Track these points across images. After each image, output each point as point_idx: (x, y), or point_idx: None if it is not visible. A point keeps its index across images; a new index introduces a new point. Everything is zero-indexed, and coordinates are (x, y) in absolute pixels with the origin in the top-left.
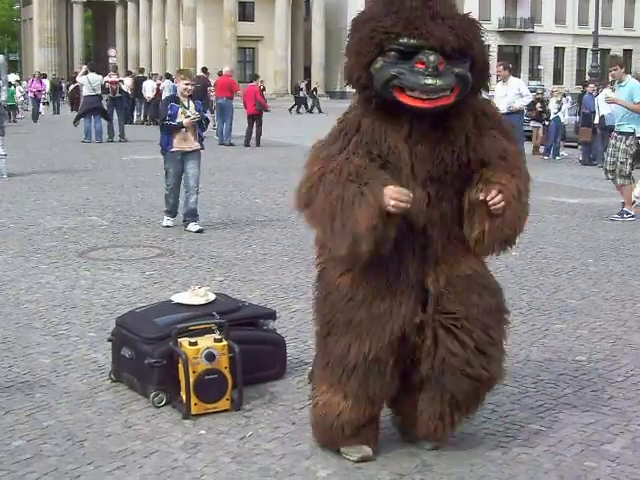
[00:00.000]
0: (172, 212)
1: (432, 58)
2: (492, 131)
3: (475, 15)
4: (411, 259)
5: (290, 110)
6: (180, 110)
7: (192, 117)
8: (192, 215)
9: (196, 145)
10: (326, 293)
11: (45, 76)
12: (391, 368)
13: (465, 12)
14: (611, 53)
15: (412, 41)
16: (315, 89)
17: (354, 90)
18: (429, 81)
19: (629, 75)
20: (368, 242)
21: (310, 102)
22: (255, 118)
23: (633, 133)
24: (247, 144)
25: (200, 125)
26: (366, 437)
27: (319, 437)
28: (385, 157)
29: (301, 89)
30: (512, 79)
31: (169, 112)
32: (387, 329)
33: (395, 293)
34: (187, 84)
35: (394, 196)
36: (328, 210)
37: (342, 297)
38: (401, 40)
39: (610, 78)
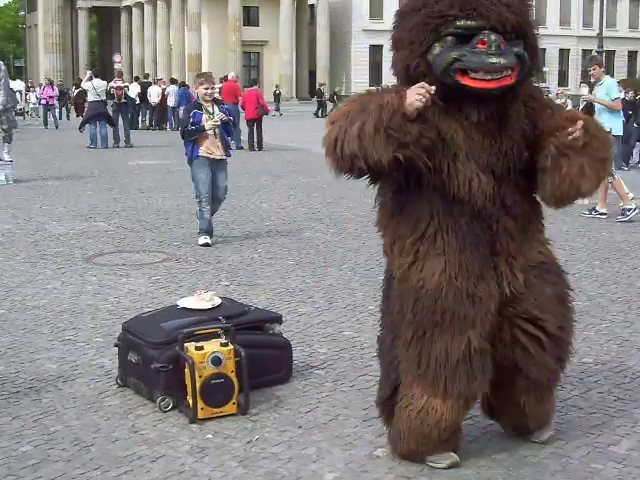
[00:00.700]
0: (209, 230)
1: (493, 37)
2: (546, 110)
3: None
4: (484, 246)
5: (316, 114)
6: (205, 116)
7: (215, 119)
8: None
9: (223, 154)
10: (409, 296)
11: (52, 82)
12: (488, 359)
13: None
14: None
15: (471, 22)
16: (335, 93)
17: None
18: (493, 60)
19: (607, 75)
20: (385, 132)
21: (330, 107)
22: (255, 122)
23: (610, 131)
24: (252, 148)
25: (227, 129)
26: (455, 442)
27: (409, 448)
28: (439, 141)
29: (323, 93)
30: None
31: (191, 119)
32: (479, 318)
33: (478, 281)
34: (206, 88)
35: (414, 90)
36: (354, 114)
37: (430, 296)
38: (459, 22)
39: (591, 79)
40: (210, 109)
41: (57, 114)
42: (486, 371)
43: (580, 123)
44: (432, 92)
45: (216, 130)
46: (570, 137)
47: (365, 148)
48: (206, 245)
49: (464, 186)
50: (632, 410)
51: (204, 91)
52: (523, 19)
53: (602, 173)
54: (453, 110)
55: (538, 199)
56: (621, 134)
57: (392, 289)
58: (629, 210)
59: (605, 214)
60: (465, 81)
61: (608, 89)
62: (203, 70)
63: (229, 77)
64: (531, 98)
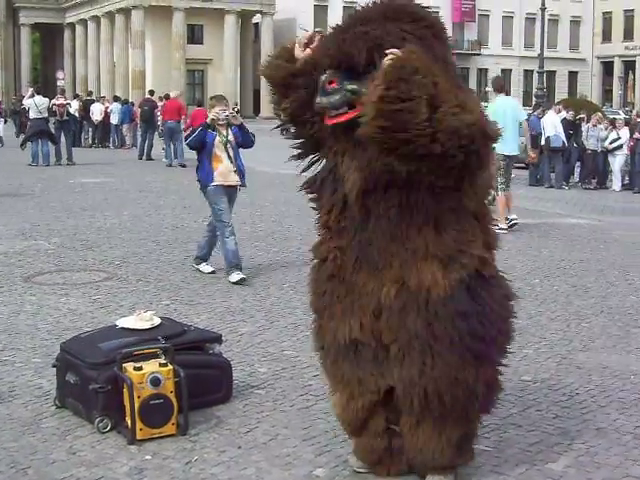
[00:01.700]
0: (239, 264)
1: (323, 77)
2: None
3: None
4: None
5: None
6: (218, 138)
7: (216, 111)
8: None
9: (237, 180)
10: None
11: None
12: (374, 352)
13: None
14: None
15: (324, 61)
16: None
17: None
18: (317, 100)
19: (501, 94)
20: None
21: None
22: None
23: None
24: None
25: (245, 137)
26: (365, 444)
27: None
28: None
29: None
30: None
31: (200, 139)
32: (360, 309)
33: (360, 271)
34: (220, 110)
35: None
36: None
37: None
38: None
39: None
40: (224, 132)
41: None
42: (369, 362)
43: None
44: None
45: (231, 153)
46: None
47: None
48: (242, 281)
49: (346, 180)
50: (570, 428)
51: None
52: (364, 55)
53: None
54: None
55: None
56: (515, 153)
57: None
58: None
59: (505, 229)
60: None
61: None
62: (147, 88)
63: (172, 95)
64: None
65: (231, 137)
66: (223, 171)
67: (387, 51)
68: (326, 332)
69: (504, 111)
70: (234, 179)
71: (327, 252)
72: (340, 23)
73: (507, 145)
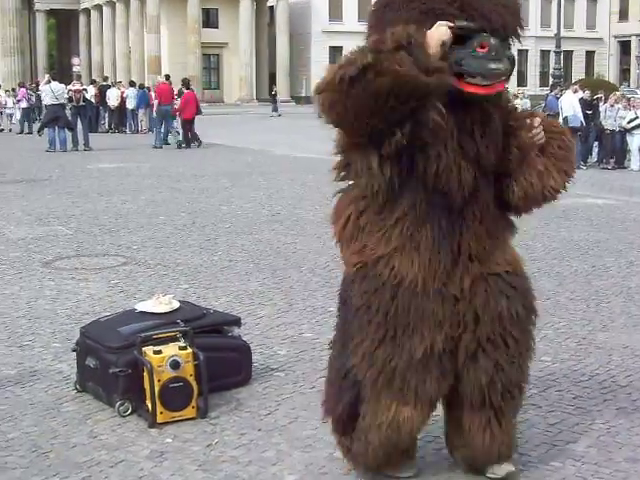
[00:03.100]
0: None
1: (493, 41)
2: (510, 111)
3: None
4: (453, 244)
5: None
6: None
7: None
8: None
9: None
10: (383, 293)
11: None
12: (448, 359)
13: None
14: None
15: (471, 24)
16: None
17: None
18: (493, 65)
19: None
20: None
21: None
22: (191, 122)
23: None
24: (189, 145)
25: None
26: (413, 451)
27: (377, 461)
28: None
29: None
30: None
31: None
32: (447, 318)
33: (447, 280)
34: None
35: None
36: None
37: (406, 293)
38: (458, 23)
39: None
40: None
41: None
42: (447, 371)
43: (538, 120)
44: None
45: None
46: (530, 135)
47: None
48: None
49: (445, 176)
50: (590, 408)
51: None
52: (519, 22)
53: (568, 171)
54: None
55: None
56: None
57: (352, 288)
58: None
59: None
60: (460, 85)
61: None
62: (163, 73)
63: (163, 80)
64: (509, 106)
65: None
66: None
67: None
68: (399, 347)
69: None
70: None
71: (403, 270)
72: None
73: None
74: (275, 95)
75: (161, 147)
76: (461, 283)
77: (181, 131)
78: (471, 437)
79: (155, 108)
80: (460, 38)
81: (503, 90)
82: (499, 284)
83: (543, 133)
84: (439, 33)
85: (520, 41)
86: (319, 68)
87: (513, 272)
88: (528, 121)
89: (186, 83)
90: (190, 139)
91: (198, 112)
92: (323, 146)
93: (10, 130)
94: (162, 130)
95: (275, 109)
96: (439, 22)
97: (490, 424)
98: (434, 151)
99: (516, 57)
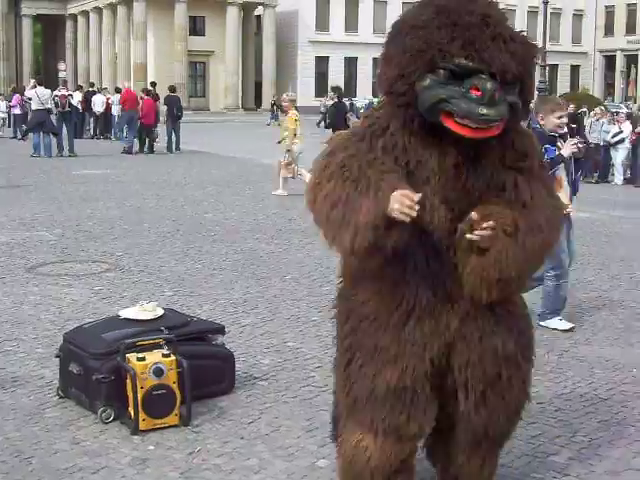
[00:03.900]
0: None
1: (489, 86)
2: (511, 171)
3: None
4: (436, 283)
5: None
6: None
7: (572, 143)
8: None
9: (572, 207)
10: (347, 316)
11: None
12: (425, 398)
13: (521, 31)
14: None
15: (471, 64)
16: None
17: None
18: (484, 111)
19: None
20: (366, 237)
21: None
22: (151, 127)
23: None
24: (142, 150)
25: (579, 165)
26: None
27: None
28: (412, 168)
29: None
30: None
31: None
32: (418, 354)
33: (425, 315)
34: (560, 117)
35: (399, 199)
36: (335, 196)
37: (366, 318)
38: (457, 60)
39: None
40: (559, 144)
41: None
42: (420, 408)
43: (490, 224)
44: (416, 203)
45: (571, 171)
46: (470, 235)
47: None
48: (572, 330)
49: (428, 214)
50: (572, 420)
51: (558, 121)
52: (525, 68)
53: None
54: (430, 139)
55: None
56: None
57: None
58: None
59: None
60: (448, 124)
61: None
62: (149, 80)
63: (126, 85)
64: (512, 148)
65: (570, 143)
66: (563, 197)
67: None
68: (379, 375)
69: None
70: (571, 207)
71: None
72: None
73: None
74: (274, 104)
75: (130, 152)
76: (448, 321)
77: (166, 137)
78: (460, 469)
79: (119, 113)
80: (458, 75)
81: (495, 135)
82: (491, 323)
83: (485, 232)
84: (395, 213)
85: (528, 91)
86: (305, 78)
87: (507, 310)
88: (474, 215)
89: (172, 90)
90: (150, 144)
91: (157, 119)
92: (309, 155)
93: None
94: (126, 135)
95: (275, 117)
96: (405, 194)
97: (475, 456)
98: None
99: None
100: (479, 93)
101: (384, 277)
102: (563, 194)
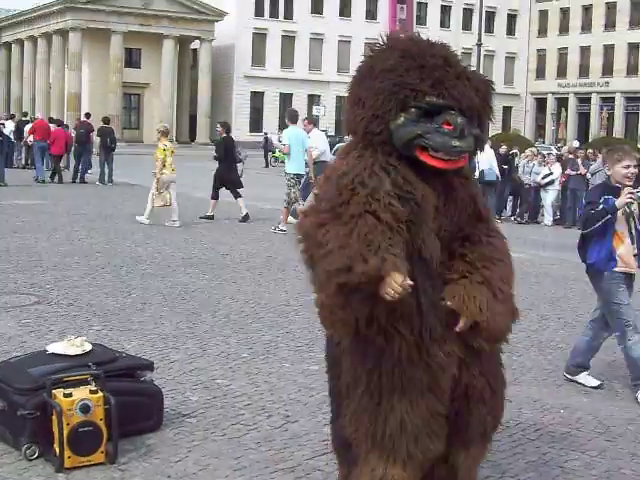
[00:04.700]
0: (586, 365)
1: (459, 120)
2: (468, 199)
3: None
4: (441, 309)
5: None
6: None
7: (628, 194)
8: None
9: (637, 265)
10: (363, 353)
11: None
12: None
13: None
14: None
15: (441, 101)
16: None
17: (354, 139)
18: (456, 143)
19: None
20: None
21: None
22: (60, 157)
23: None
24: (61, 180)
25: None
26: None
27: None
28: (418, 200)
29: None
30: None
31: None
32: (440, 382)
33: (440, 343)
34: (628, 166)
35: (392, 285)
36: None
37: (388, 353)
38: (428, 99)
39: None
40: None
41: None
42: (444, 428)
43: (464, 322)
44: (403, 291)
45: (635, 226)
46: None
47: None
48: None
49: (423, 243)
50: (500, 460)
51: (625, 171)
52: (487, 103)
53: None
54: (413, 169)
55: None
56: (295, 172)
57: (341, 352)
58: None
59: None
60: (423, 157)
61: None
62: (83, 111)
63: (38, 116)
64: (466, 177)
65: (636, 208)
66: (624, 253)
67: None
68: (415, 406)
69: (296, 138)
70: (634, 265)
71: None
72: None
73: (296, 166)
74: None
75: (44, 181)
76: (449, 348)
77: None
78: (459, 470)
79: (31, 143)
80: (429, 112)
81: (464, 165)
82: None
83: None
84: (387, 291)
85: (491, 121)
86: (241, 112)
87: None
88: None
89: (106, 121)
90: (58, 173)
91: (68, 149)
92: (249, 190)
93: None
94: (39, 165)
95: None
96: (399, 281)
97: (469, 456)
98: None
99: (293, 108)
100: (451, 127)
101: (398, 313)
102: (623, 249)
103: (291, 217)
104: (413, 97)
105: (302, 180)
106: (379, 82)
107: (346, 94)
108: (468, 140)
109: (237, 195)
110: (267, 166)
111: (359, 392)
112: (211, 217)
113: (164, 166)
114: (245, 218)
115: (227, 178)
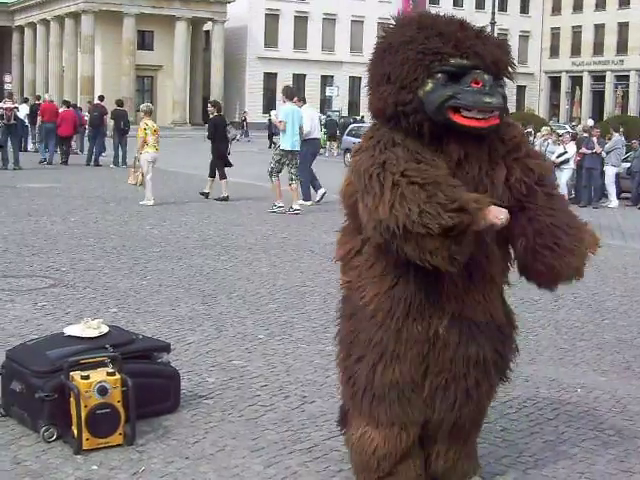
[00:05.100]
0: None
1: (487, 77)
2: (504, 160)
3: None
4: (434, 285)
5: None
6: None
7: None
8: None
9: None
10: (350, 313)
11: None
12: (424, 389)
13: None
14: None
15: (465, 61)
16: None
17: (380, 119)
18: (487, 99)
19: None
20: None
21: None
22: (69, 139)
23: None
24: (67, 162)
25: None
26: (408, 474)
27: (360, 477)
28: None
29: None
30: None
31: None
32: (409, 355)
33: (418, 317)
34: None
35: (497, 214)
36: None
37: (366, 316)
38: (453, 60)
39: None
40: None
41: None
42: (420, 398)
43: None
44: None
45: None
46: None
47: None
48: None
49: None
50: (517, 440)
51: None
52: (510, 60)
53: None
54: (435, 140)
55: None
56: (289, 149)
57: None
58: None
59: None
60: (457, 119)
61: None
62: (96, 94)
63: (46, 98)
64: (499, 140)
65: None
66: None
67: None
68: (384, 372)
69: (292, 115)
70: None
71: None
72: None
73: (290, 142)
74: (245, 120)
75: (47, 161)
76: (438, 323)
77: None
78: (437, 464)
79: (38, 125)
80: (455, 75)
81: (497, 124)
82: (472, 330)
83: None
84: (494, 213)
85: (512, 79)
86: (253, 94)
87: (493, 322)
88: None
89: (119, 104)
90: (67, 155)
91: (76, 130)
92: (255, 170)
93: None
94: (46, 147)
95: (246, 134)
96: (502, 211)
97: (449, 452)
98: None
99: (290, 85)
100: (479, 85)
101: (386, 280)
102: None
103: (302, 200)
104: (438, 61)
105: (297, 157)
106: (402, 54)
107: (366, 77)
108: (498, 97)
109: (223, 175)
110: (270, 147)
111: (339, 350)
112: (226, 198)
113: (147, 144)
114: (225, 199)
115: (223, 154)
